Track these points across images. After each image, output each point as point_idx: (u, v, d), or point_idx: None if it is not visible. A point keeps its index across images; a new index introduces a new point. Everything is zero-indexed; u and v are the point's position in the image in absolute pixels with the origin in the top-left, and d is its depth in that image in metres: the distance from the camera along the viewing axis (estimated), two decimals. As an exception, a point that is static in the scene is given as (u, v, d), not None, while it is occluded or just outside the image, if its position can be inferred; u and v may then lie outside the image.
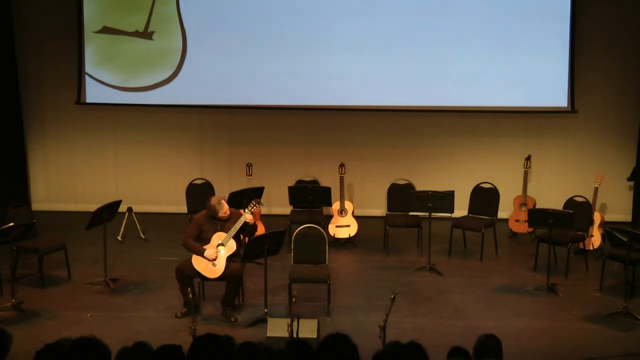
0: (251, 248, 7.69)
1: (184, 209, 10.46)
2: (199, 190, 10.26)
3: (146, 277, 9.00)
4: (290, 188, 10.05)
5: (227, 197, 8.94)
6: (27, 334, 7.22)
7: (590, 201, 9.59)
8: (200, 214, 8.07)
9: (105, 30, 11.20)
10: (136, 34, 11.15)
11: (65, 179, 11.78)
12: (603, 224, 9.66)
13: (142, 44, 11.17)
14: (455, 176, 11.13)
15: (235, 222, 7.84)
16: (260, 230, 9.47)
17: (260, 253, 7.70)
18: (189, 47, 11.12)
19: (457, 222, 9.89)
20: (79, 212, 10.95)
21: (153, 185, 11.62)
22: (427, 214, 9.19)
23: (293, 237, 8.30)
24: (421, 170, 11.24)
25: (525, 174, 10.36)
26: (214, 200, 7.92)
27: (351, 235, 10.15)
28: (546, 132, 11.24)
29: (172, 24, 11.10)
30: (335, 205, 10.17)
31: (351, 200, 10.64)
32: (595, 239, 9.70)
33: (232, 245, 7.80)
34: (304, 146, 11.47)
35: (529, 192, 10.38)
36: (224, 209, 7.87)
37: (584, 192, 9.80)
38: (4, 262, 8.44)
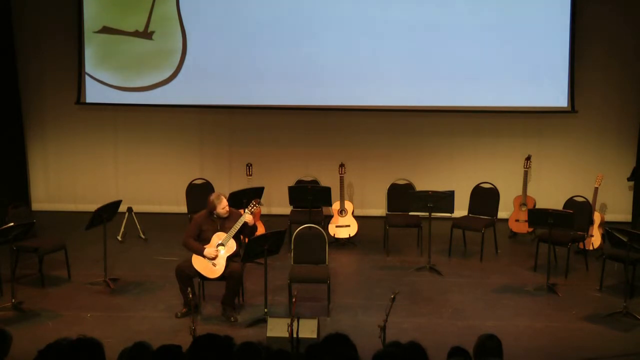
0: (251, 248, 7.69)
1: (184, 209, 10.46)
2: (199, 190, 10.26)
3: (146, 277, 9.00)
4: (290, 188, 10.05)
5: (227, 197, 8.94)
6: (27, 334, 7.22)
7: (590, 201, 9.59)
8: (200, 214, 8.07)
9: (105, 30, 11.20)
10: (136, 34, 11.16)
11: (65, 179, 11.78)
12: (603, 224, 9.66)
13: (142, 44, 11.17)
14: (455, 176, 11.13)
15: (235, 222, 7.84)
16: (260, 230, 9.47)
17: (260, 253, 7.70)
18: (189, 47, 11.12)
19: (457, 222, 9.89)
20: (79, 212, 10.97)
21: (153, 185, 11.62)
22: (427, 214, 9.19)
23: (293, 237, 8.29)
24: (421, 170, 11.24)
25: (525, 174, 10.36)
26: (213, 196, 7.96)
27: (351, 235, 10.15)
28: (546, 132, 11.24)
29: (172, 24, 11.10)
30: (335, 205, 10.17)
31: (351, 200, 10.64)
32: (595, 239, 9.70)
33: (232, 245, 7.80)
34: (304, 146, 11.47)
35: (529, 192, 10.38)
36: (223, 204, 7.87)
37: (584, 192, 9.80)
38: (4, 262, 8.43)
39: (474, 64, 10.86)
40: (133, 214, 10.52)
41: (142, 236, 10.44)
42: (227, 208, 7.90)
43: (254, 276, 8.59)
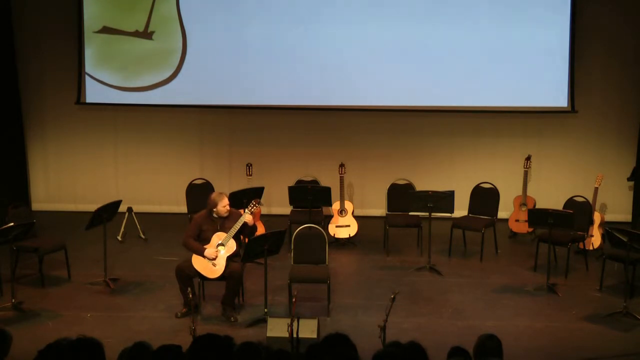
0: (251, 248, 7.69)
1: (184, 209, 10.46)
2: (199, 190, 10.26)
3: (146, 277, 9.00)
4: (290, 188, 10.05)
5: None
6: (27, 334, 7.22)
7: (590, 201, 9.59)
8: (200, 214, 8.07)
9: (105, 30, 11.20)
10: (136, 34, 11.16)
11: (65, 179, 11.78)
12: (603, 224, 9.66)
13: (142, 44, 11.17)
14: (455, 176, 11.13)
15: (235, 222, 7.84)
16: (260, 230, 9.47)
17: (260, 253, 7.70)
18: (189, 47, 11.12)
19: (457, 222, 9.88)
20: (79, 212, 10.97)
21: (153, 185, 11.62)
22: (427, 214, 9.19)
23: (293, 237, 8.29)
24: (421, 170, 11.24)
25: (525, 174, 10.36)
26: (214, 194, 7.97)
27: (351, 235, 10.15)
28: (546, 132, 11.24)
29: (172, 24, 11.10)
30: (335, 205, 10.17)
31: (351, 200, 10.64)
32: (595, 239, 9.69)
33: (232, 245, 7.80)
34: (304, 146, 11.47)
35: (529, 192, 10.38)
36: (224, 202, 7.87)
37: (584, 192, 9.80)
38: (4, 262, 8.43)
39: (474, 64, 10.86)
40: (133, 214, 10.52)
41: (142, 236, 10.44)
42: (227, 207, 7.91)
43: (254, 276, 8.59)
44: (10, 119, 11.20)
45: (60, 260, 8.98)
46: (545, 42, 10.77)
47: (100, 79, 11.28)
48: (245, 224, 7.86)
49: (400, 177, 10.56)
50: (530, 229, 10.07)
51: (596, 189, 9.80)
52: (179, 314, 7.88)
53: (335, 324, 7.62)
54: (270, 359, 4.79)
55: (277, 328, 6.91)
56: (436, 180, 10.95)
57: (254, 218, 8.06)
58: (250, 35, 11.00)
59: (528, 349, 7.22)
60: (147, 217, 10.92)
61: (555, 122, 11.21)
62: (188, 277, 7.79)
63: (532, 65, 10.81)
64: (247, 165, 10.48)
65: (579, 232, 9.20)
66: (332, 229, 10.08)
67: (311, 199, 9.80)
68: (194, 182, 10.49)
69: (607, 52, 11.01)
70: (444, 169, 11.35)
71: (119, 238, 10.29)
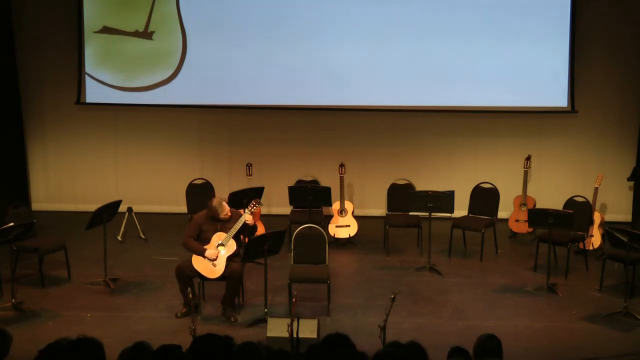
0: (251, 248, 7.68)
1: (184, 209, 10.47)
2: (199, 190, 10.27)
3: (146, 277, 9.00)
4: (290, 188, 10.05)
5: (227, 197, 8.95)
6: (27, 334, 7.22)
7: (590, 201, 9.59)
8: (200, 214, 8.07)
9: (105, 30, 11.20)
10: (136, 34, 11.16)
11: (65, 179, 11.78)
12: (603, 224, 9.66)
13: (142, 44, 11.17)
14: (455, 176, 11.13)
15: (235, 222, 7.84)
16: (260, 230, 9.47)
17: (260, 253, 7.70)
18: (189, 47, 11.12)
19: (457, 222, 9.88)
20: (79, 212, 10.97)
21: (153, 185, 11.62)
22: (427, 214, 9.19)
23: (293, 237, 8.29)
24: (421, 170, 11.24)
25: (525, 174, 10.36)
26: (215, 202, 7.92)
27: (351, 235, 10.15)
28: (546, 132, 11.24)
29: (172, 24, 11.10)
30: (335, 205, 10.17)
31: (351, 200, 10.64)
32: (595, 239, 9.69)
33: (232, 245, 7.80)
34: (304, 146, 11.47)
35: (529, 192, 10.38)
36: (225, 211, 7.87)
37: (584, 192, 9.80)
38: (4, 262, 8.44)
39: (474, 64, 10.86)
40: (133, 214, 10.52)
41: (142, 236, 10.44)
42: (229, 214, 7.90)
43: (254, 276, 8.60)
44: (10, 119, 11.21)
45: (60, 260, 8.98)
46: (545, 42, 10.77)
47: (100, 79, 11.29)
48: (245, 224, 7.87)
49: (400, 177, 10.56)
50: (530, 229, 10.07)
51: (596, 189, 9.80)
52: (179, 314, 7.88)
53: (335, 324, 7.62)
54: (270, 359, 4.79)
55: (277, 328, 6.91)
56: (436, 180, 10.95)
57: (254, 218, 8.06)
58: (250, 35, 11.00)
59: (528, 349, 7.22)
60: (147, 217, 10.92)
61: (555, 122, 11.21)
62: (188, 277, 7.79)
63: (532, 65, 10.80)
64: (247, 165, 10.48)
65: (579, 232, 9.21)
66: (332, 229, 10.08)
67: (311, 199, 9.80)
68: (194, 182, 10.49)
69: (607, 52, 11.01)
70: (444, 169, 11.35)
71: (119, 238, 10.29)
